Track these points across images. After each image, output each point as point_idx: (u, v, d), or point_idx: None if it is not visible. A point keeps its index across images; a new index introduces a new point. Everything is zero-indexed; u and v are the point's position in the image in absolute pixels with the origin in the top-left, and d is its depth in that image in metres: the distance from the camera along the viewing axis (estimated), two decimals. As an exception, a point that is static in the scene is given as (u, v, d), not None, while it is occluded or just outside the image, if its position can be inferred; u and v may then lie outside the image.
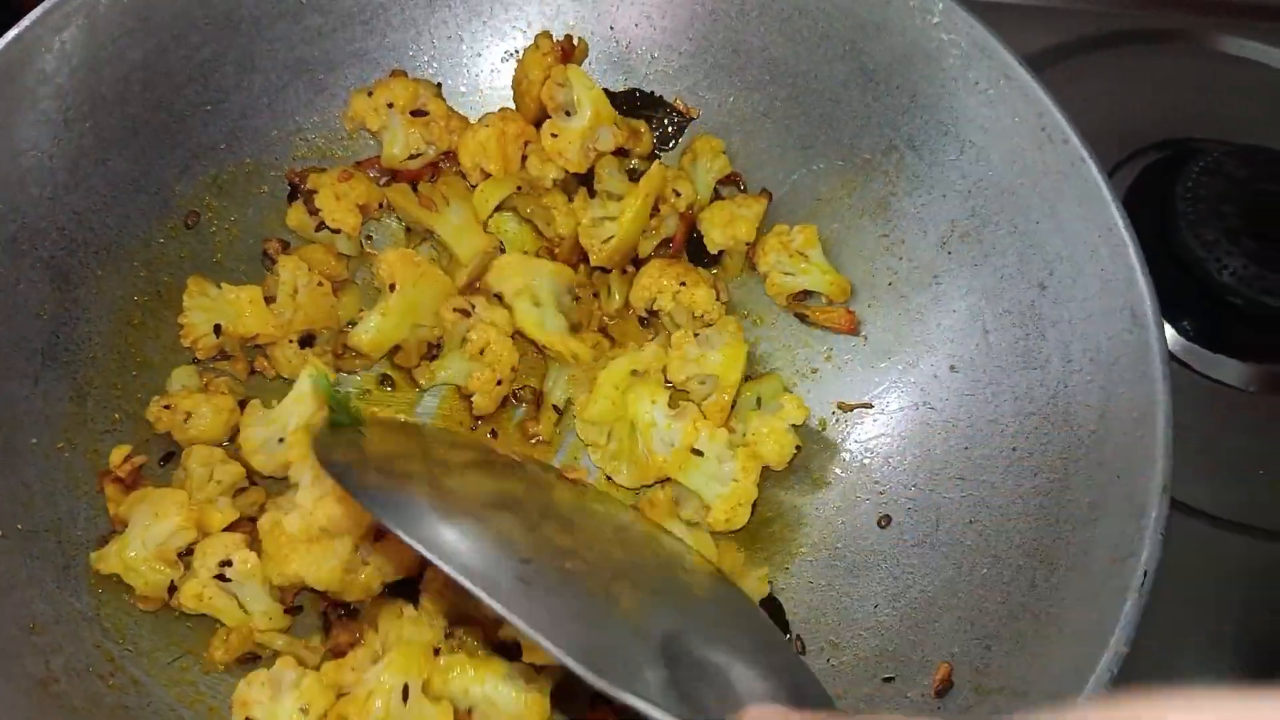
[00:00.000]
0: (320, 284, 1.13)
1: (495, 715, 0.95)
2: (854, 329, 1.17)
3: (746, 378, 1.15)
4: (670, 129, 1.23)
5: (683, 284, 1.15)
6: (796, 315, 1.20)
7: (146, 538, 0.99)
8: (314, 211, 1.16)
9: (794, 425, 1.10)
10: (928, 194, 1.13)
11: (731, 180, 1.22)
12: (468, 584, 0.69)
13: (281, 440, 1.06)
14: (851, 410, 1.15)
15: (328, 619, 1.02)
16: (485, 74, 1.26)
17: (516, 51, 1.24)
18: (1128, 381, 0.94)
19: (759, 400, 1.14)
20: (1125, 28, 1.52)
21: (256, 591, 1.00)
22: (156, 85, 1.11)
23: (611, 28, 1.23)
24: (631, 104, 1.22)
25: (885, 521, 1.08)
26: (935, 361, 1.12)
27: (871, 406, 1.15)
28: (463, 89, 1.25)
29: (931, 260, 1.13)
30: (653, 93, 1.23)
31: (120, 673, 0.96)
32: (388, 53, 1.22)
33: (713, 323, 1.15)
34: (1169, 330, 1.31)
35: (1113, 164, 1.41)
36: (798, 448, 1.11)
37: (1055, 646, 0.88)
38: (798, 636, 1.05)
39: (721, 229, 1.18)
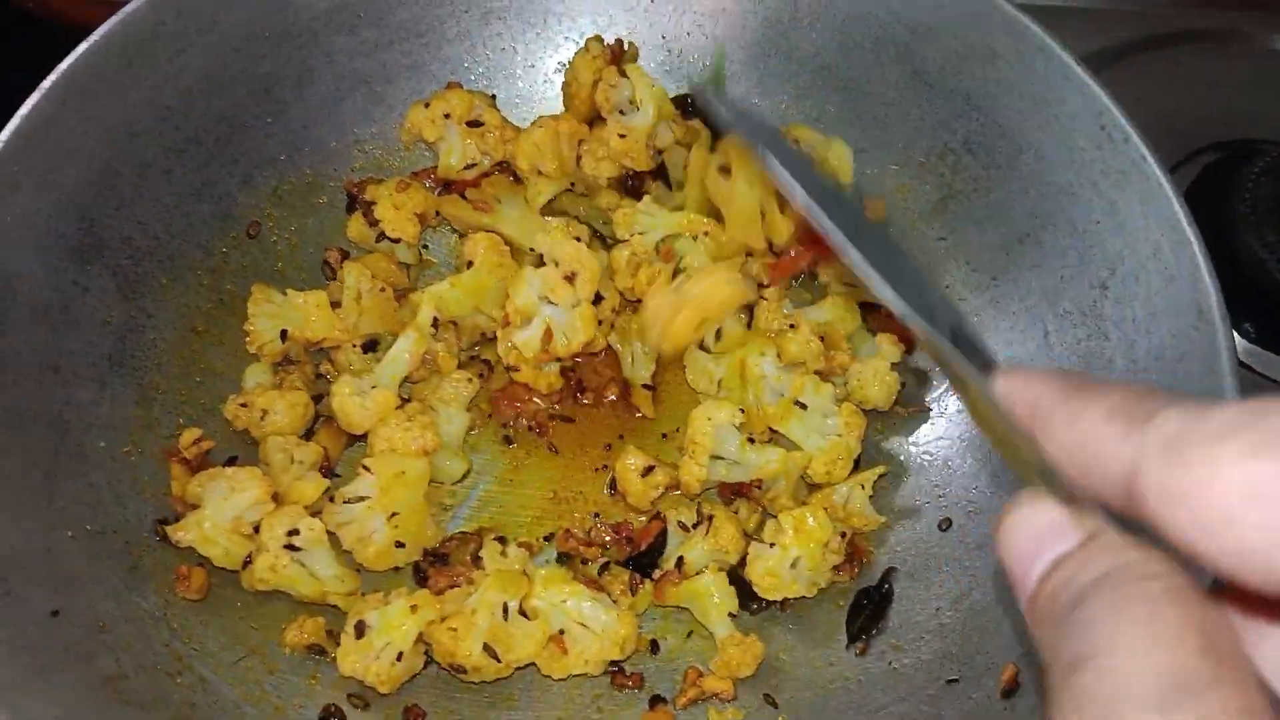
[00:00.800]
0: (383, 289, 1.14)
1: (584, 635, 1.00)
2: (910, 346, 1.16)
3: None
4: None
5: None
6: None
7: (224, 509, 1.02)
8: (374, 222, 1.18)
9: (893, 363, 1.12)
10: (985, 196, 1.13)
11: None
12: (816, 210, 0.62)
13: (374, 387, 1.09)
14: (909, 414, 1.14)
15: (421, 570, 1.06)
16: (539, 85, 1.27)
17: (567, 63, 1.25)
18: (1195, 378, 0.93)
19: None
20: (1178, 29, 1.50)
21: (325, 557, 1.03)
22: (218, 98, 1.13)
23: (663, 37, 1.24)
24: (683, 108, 1.23)
25: (946, 524, 1.08)
26: (995, 364, 1.11)
27: (929, 410, 1.14)
28: (517, 100, 1.27)
29: (989, 262, 1.13)
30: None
31: (188, 671, 0.97)
32: (443, 65, 1.24)
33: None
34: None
35: (1170, 166, 1.39)
36: (902, 384, 1.13)
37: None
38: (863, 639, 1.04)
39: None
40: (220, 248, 1.16)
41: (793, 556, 1.01)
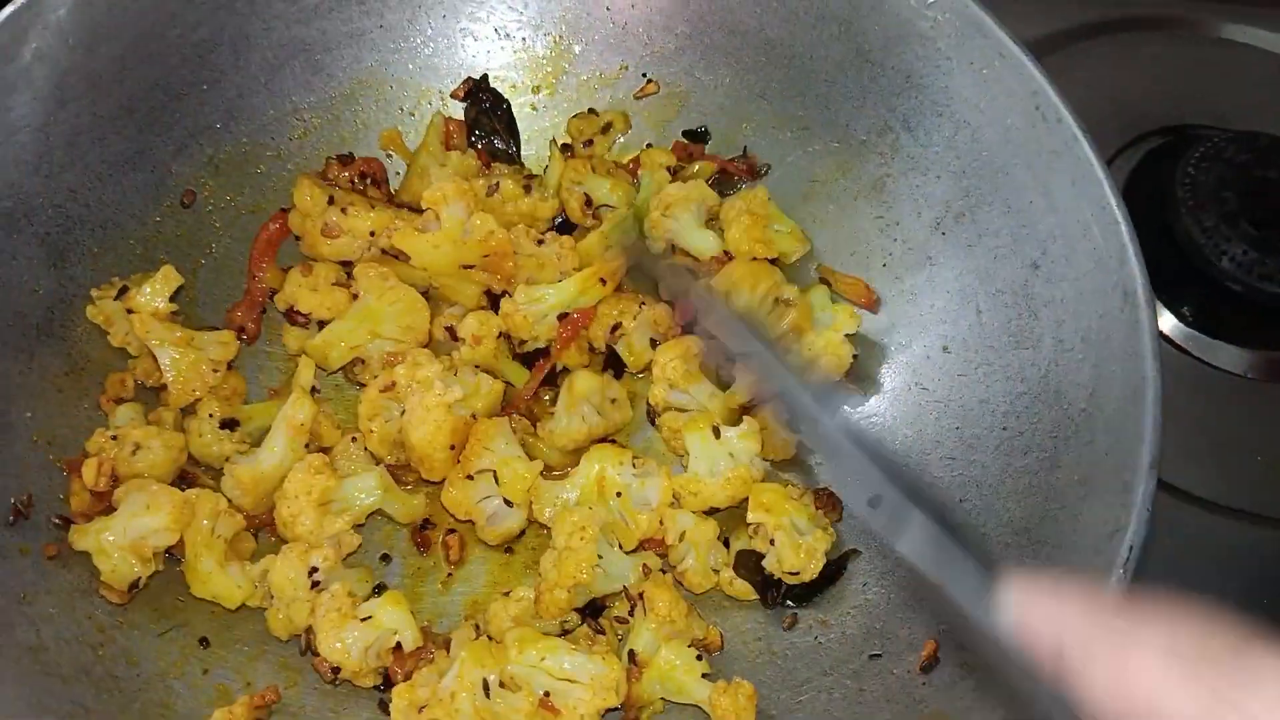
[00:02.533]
0: (216, 371, 1.11)
1: (573, 691, 0.93)
2: (874, 305, 1.16)
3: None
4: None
5: (643, 303, 1.16)
6: (822, 280, 1.18)
7: (130, 526, 0.98)
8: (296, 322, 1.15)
9: (848, 334, 1.12)
10: (922, 175, 1.13)
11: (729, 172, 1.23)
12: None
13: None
14: (849, 391, 1.14)
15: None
16: (481, 54, 1.26)
17: (509, 33, 1.25)
18: (1119, 359, 0.93)
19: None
20: (1124, 15, 1.51)
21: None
22: (153, 64, 1.11)
23: (608, 9, 1.23)
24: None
25: (875, 501, 1.08)
26: (928, 342, 1.12)
27: (872, 389, 1.14)
28: (460, 68, 1.25)
29: (926, 241, 1.13)
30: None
31: (110, 643, 0.96)
32: (384, 33, 1.22)
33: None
34: (1169, 316, 1.30)
35: (1113, 150, 1.41)
36: (855, 355, 1.12)
37: (1042, 623, 0.88)
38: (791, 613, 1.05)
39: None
40: (154, 216, 1.15)
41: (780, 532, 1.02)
